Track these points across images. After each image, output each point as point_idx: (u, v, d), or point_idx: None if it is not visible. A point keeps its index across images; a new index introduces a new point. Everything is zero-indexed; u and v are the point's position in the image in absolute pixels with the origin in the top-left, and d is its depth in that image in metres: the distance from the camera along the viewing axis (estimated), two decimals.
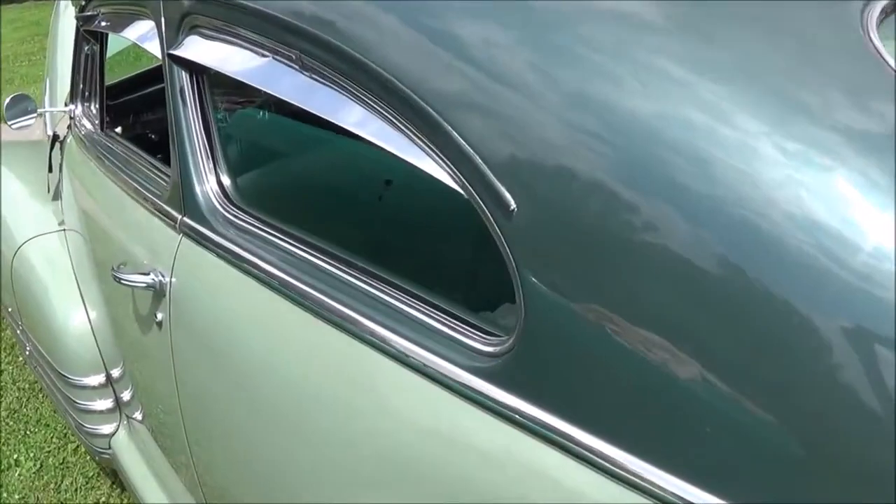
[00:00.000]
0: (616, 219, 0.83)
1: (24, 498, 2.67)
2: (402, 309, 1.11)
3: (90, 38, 2.27)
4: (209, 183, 1.50)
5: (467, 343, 1.02)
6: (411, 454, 1.07)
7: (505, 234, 0.93)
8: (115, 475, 2.58)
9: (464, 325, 1.04)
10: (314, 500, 1.27)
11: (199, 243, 1.48)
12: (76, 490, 2.68)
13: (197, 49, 1.46)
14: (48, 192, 2.77)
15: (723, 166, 0.77)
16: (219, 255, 1.44)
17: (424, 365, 1.03)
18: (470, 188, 0.97)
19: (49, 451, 2.86)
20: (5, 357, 3.41)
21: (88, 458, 2.77)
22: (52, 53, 3.13)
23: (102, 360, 2.35)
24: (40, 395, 3.16)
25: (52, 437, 2.93)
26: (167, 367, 1.64)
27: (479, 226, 0.99)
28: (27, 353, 2.74)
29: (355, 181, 1.79)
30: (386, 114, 1.09)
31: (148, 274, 1.58)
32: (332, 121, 1.16)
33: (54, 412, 3.01)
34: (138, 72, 2.75)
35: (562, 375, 0.90)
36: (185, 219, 1.52)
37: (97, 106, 2.31)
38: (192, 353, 1.55)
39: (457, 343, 1.03)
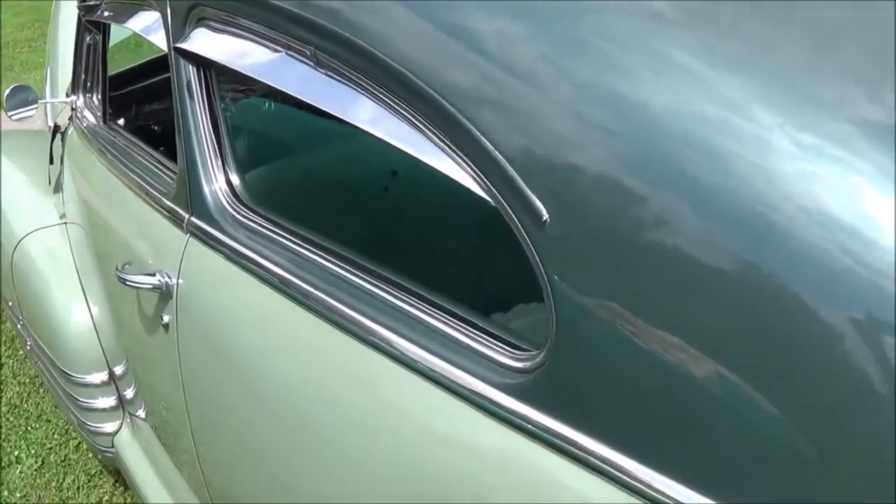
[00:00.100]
0: (652, 226, 0.79)
1: (25, 496, 2.63)
2: (424, 320, 1.06)
3: (92, 27, 2.21)
4: (217, 181, 1.44)
5: (495, 358, 0.97)
6: (436, 473, 1.02)
7: (536, 245, 0.88)
8: (117, 473, 2.54)
9: (490, 339, 0.99)
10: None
11: (207, 244, 1.43)
12: (78, 488, 2.63)
13: (205, 42, 1.41)
14: (49, 184, 2.72)
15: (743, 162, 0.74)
16: (228, 257, 1.39)
17: (450, 380, 0.98)
18: (497, 195, 0.92)
19: (51, 448, 2.82)
20: (5, 350, 3.37)
21: (90, 455, 2.72)
22: (53, 42, 3.07)
23: (105, 357, 2.31)
24: (41, 390, 3.11)
25: (53, 434, 2.89)
26: (173, 369, 1.59)
27: (504, 232, 0.94)
28: (28, 347, 2.70)
29: (370, 179, 1.73)
30: (405, 113, 1.03)
31: (154, 275, 1.53)
32: (349, 121, 1.11)
33: (55, 408, 2.97)
34: (141, 62, 2.68)
35: (598, 393, 0.85)
36: (193, 218, 1.47)
37: (99, 97, 2.25)
38: (200, 358, 1.50)
39: (484, 358, 0.98)
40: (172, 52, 1.49)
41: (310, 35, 1.13)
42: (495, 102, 0.92)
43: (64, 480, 2.68)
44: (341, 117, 1.12)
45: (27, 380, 3.20)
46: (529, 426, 0.90)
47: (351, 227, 1.50)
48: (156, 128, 2.55)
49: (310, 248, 1.29)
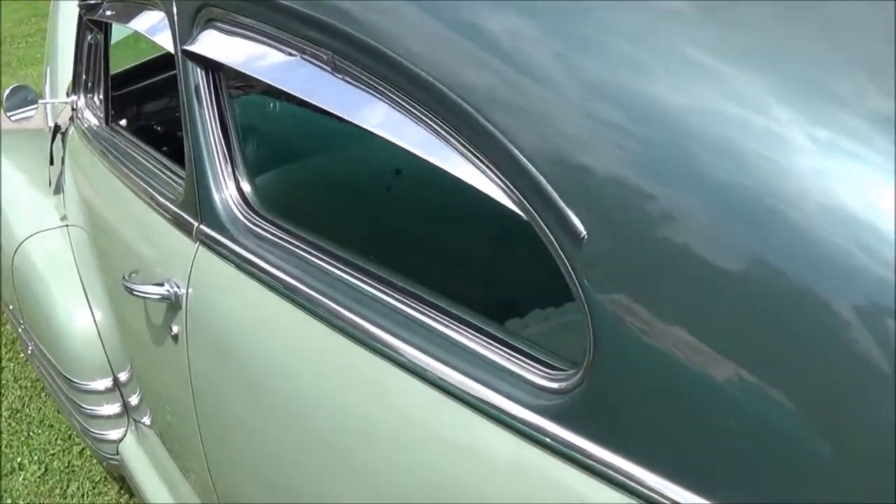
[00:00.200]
0: (693, 238, 0.75)
1: None
2: (451, 336, 1.01)
3: (93, 27, 2.16)
4: (228, 189, 1.39)
5: (528, 378, 0.93)
6: (462, 493, 0.98)
7: (572, 262, 0.84)
8: (122, 480, 2.50)
9: (521, 358, 0.95)
10: None
11: (217, 253, 1.38)
12: (83, 495, 2.59)
13: (215, 45, 1.36)
14: (49, 185, 2.67)
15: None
16: (239, 267, 1.34)
17: (479, 399, 0.94)
18: (529, 208, 0.88)
19: (53, 454, 2.77)
20: (6, 353, 3.32)
21: (95, 461, 2.68)
22: (52, 41, 3.01)
23: (109, 363, 2.26)
24: (43, 394, 3.07)
25: (56, 439, 2.84)
26: (183, 379, 1.55)
27: (531, 243, 0.90)
28: (29, 351, 2.65)
29: (390, 184, 1.67)
30: (430, 121, 0.99)
31: (162, 285, 1.48)
32: (370, 129, 1.06)
33: (58, 412, 2.92)
34: (143, 61, 2.63)
35: (640, 415, 0.81)
36: (202, 227, 1.42)
37: (101, 98, 2.20)
38: (211, 369, 1.46)
39: (516, 378, 0.93)
40: (180, 55, 1.44)
41: (328, 39, 1.08)
42: (527, 112, 0.87)
43: (68, 488, 2.63)
44: (362, 125, 1.07)
45: (28, 383, 3.15)
46: (568, 450, 0.85)
47: (367, 235, 1.45)
48: (159, 128, 2.50)
49: (324, 257, 1.24)
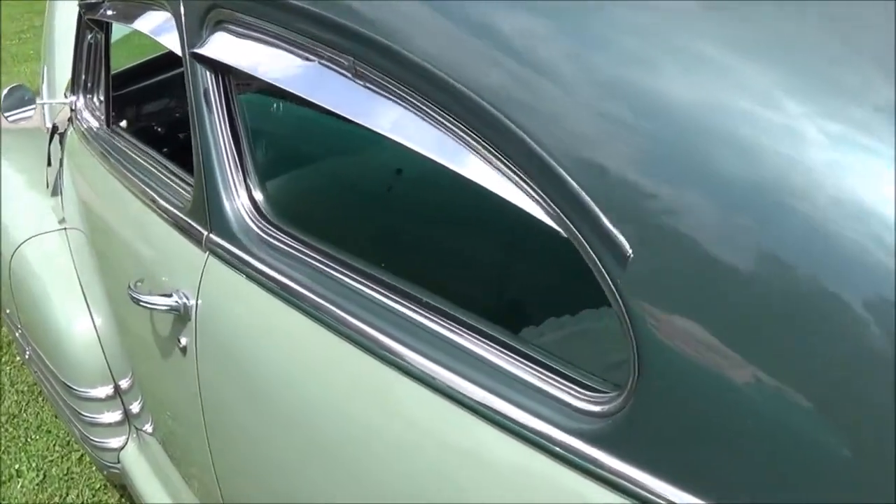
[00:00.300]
0: (740, 252, 0.72)
1: None
2: (481, 355, 0.97)
3: (94, 26, 2.10)
4: (239, 197, 1.35)
5: (564, 399, 0.88)
6: None
7: (616, 283, 0.80)
8: (123, 488, 2.45)
9: (557, 378, 0.91)
10: None
11: (229, 264, 1.34)
12: (83, 503, 2.54)
13: (225, 49, 1.31)
14: (47, 187, 2.61)
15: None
16: (252, 278, 1.29)
17: (515, 422, 0.90)
18: (570, 226, 0.84)
19: (52, 461, 2.72)
20: (2, 356, 3.26)
21: (94, 468, 2.63)
22: (49, 40, 2.95)
23: (110, 370, 2.21)
24: (40, 399, 3.01)
25: (54, 445, 2.79)
26: (191, 391, 1.50)
27: (565, 258, 0.86)
28: (27, 356, 2.60)
29: (412, 191, 1.62)
30: (461, 133, 0.94)
31: (170, 296, 1.43)
32: (392, 138, 1.01)
33: (56, 417, 2.87)
34: (144, 60, 2.57)
35: (690, 441, 0.77)
36: (212, 236, 1.38)
37: (101, 99, 2.14)
38: (222, 383, 1.41)
39: (552, 399, 0.89)
40: (188, 58, 1.39)
41: (349, 43, 1.04)
42: (567, 123, 0.83)
43: (67, 495, 2.58)
44: (386, 135, 1.03)
45: (25, 388, 3.10)
46: (611, 476, 0.81)
47: (387, 245, 1.40)
48: (162, 131, 2.45)
49: (342, 269, 1.19)
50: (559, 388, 0.90)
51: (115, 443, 2.27)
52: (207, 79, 1.37)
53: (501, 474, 0.93)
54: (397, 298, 1.10)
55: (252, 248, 1.30)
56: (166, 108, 2.53)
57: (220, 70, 1.36)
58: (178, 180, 1.61)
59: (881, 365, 0.65)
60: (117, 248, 1.97)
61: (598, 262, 0.81)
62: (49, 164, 2.58)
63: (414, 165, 1.14)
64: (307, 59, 1.14)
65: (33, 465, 2.71)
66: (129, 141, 1.94)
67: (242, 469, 1.49)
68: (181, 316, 1.44)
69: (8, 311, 2.69)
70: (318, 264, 1.23)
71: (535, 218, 0.88)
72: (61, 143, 2.49)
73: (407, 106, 1.01)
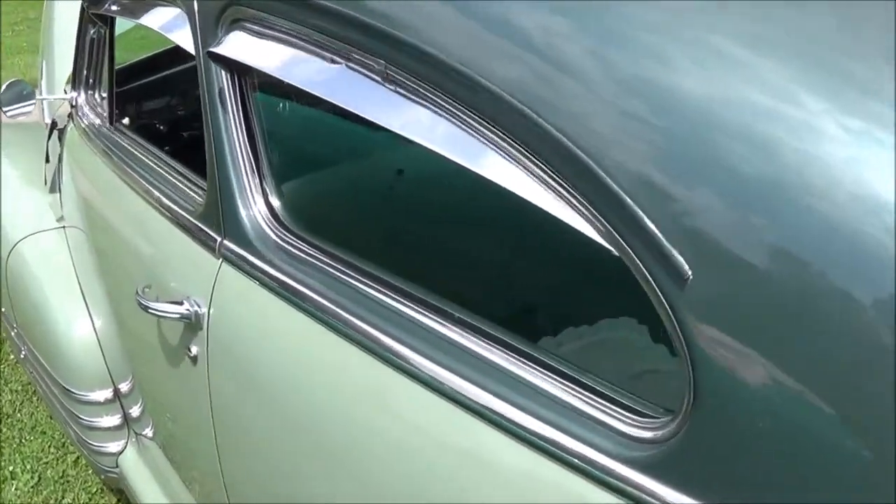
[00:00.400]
0: (811, 276, 0.69)
1: None
2: (519, 375, 0.92)
3: (97, 20, 2.05)
4: (255, 202, 1.30)
5: (613, 425, 0.84)
6: None
7: (673, 305, 0.76)
8: (120, 492, 2.40)
9: (605, 403, 0.86)
10: None
11: (244, 272, 1.29)
12: None
13: (243, 48, 1.26)
14: (45, 183, 2.56)
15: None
16: (269, 287, 1.25)
17: (562, 450, 0.85)
18: (623, 244, 0.80)
19: (47, 463, 2.67)
20: None
21: (90, 471, 2.58)
22: (48, 33, 2.89)
23: (109, 373, 2.16)
24: (35, 398, 2.95)
25: (49, 447, 2.74)
26: (201, 401, 1.45)
27: (610, 271, 0.83)
28: (22, 356, 2.54)
29: (438, 197, 1.55)
30: (502, 143, 0.90)
31: (181, 303, 1.38)
32: (433, 149, 0.97)
33: (50, 418, 2.82)
34: (147, 55, 2.52)
35: (750, 467, 0.73)
36: (227, 242, 1.33)
37: (106, 96, 2.09)
38: (235, 394, 1.36)
39: (601, 425, 0.85)
40: (202, 57, 1.34)
41: (382, 46, 0.99)
42: (622, 139, 0.78)
43: (63, 498, 2.53)
44: (424, 144, 0.98)
45: (19, 387, 3.04)
46: None
47: (413, 254, 1.35)
48: (166, 128, 2.39)
49: (366, 279, 1.15)
50: (605, 412, 0.86)
51: (113, 447, 2.22)
52: (223, 78, 1.32)
53: (547, 502, 0.88)
54: (427, 313, 1.05)
55: (269, 255, 1.25)
56: (171, 105, 2.47)
57: (237, 70, 1.31)
58: (187, 182, 1.56)
59: None
60: (120, 250, 1.92)
61: (652, 283, 0.77)
62: (47, 160, 2.52)
63: (442, 172, 1.09)
64: (333, 61, 1.09)
65: (28, 466, 2.65)
66: (133, 139, 1.88)
67: (254, 478, 1.44)
68: (192, 324, 1.39)
69: (3, 310, 2.63)
70: (339, 274, 1.18)
71: (577, 231, 0.84)
72: (60, 139, 2.43)
73: (441, 112, 0.96)
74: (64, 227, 2.38)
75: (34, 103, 2.39)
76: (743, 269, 0.71)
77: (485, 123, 0.91)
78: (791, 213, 0.70)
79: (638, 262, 0.78)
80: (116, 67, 2.16)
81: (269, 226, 1.28)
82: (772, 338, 0.71)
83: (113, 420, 2.20)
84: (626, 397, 0.86)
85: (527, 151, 0.87)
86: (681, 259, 0.74)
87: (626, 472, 0.80)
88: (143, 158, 1.77)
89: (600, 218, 0.82)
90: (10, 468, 2.65)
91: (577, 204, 0.84)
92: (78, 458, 2.64)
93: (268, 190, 1.30)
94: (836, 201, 0.67)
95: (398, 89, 1.01)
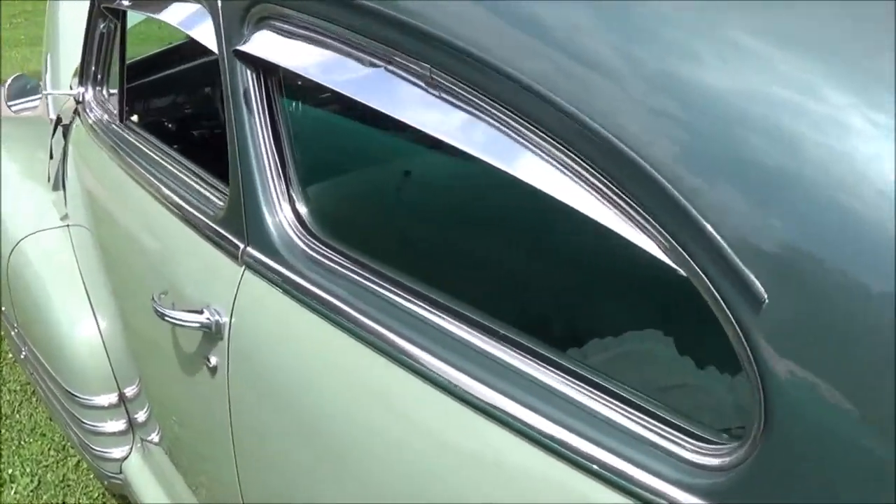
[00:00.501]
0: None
1: None
2: (576, 399, 0.88)
3: (108, 13, 1.99)
4: (282, 208, 1.24)
5: (676, 452, 0.80)
6: None
7: (746, 330, 0.72)
8: (123, 498, 2.34)
9: (666, 428, 0.82)
10: None
11: (269, 280, 1.23)
12: None
13: (272, 48, 1.20)
14: (48, 181, 2.50)
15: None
16: (295, 297, 1.19)
17: (625, 478, 0.81)
18: (693, 265, 0.75)
19: (47, 466, 2.61)
20: None
21: (92, 475, 2.52)
22: (53, 27, 2.82)
23: (115, 377, 2.10)
24: (34, 399, 2.90)
25: (49, 450, 2.68)
26: (219, 412, 1.39)
27: (672, 282, 0.79)
28: (22, 356, 2.49)
29: (476, 205, 1.49)
30: (560, 154, 0.85)
31: (201, 312, 1.32)
32: (478, 156, 0.92)
33: (50, 420, 2.76)
34: (158, 51, 2.46)
35: (822, 498, 0.70)
36: (250, 249, 1.27)
37: (115, 93, 2.03)
38: (257, 405, 1.31)
39: (663, 452, 0.81)
40: (226, 55, 1.29)
41: (428, 49, 0.94)
42: (707, 161, 0.74)
43: (64, 503, 2.47)
44: (467, 150, 0.93)
45: (17, 387, 2.98)
46: None
47: (448, 263, 1.29)
48: (180, 127, 2.33)
49: (402, 291, 1.10)
50: (668, 438, 0.82)
51: (117, 453, 2.17)
52: (248, 78, 1.26)
53: None
54: (469, 329, 1.00)
55: (297, 264, 1.20)
56: (185, 103, 2.42)
57: (263, 70, 1.25)
58: (204, 185, 1.50)
59: None
60: (129, 251, 1.86)
61: (723, 305, 0.73)
62: (51, 157, 2.46)
63: (482, 178, 1.04)
64: (372, 64, 1.04)
65: (27, 470, 2.59)
66: (145, 138, 1.83)
67: (275, 488, 1.38)
68: (211, 334, 1.33)
69: (3, 309, 2.57)
70: (371, 283, 1.13)
71: (635, 246, 0.80)
72: (65, 135, 2.37)
73: (491, 120, 0.91)
74: (68, 225, 2.32)
75: (40, 97, 2.33)
76: (816, 289, 0.68)
77: (535, 129, 0.87)
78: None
79: (708, 283, 0.73)
80: (132, 60, 2.10)
81: (296, 233, 1.22)
82: (845, 360, 0.67)
83: (117, 425, 2.15)
84: (687, 422, 0.82)
85: (580, 158, 0.83)
86: (757, 283, 0.70)
87: (689, 500, 0.76)
88: (156, 158, 1.72)
89: (665, 233, 0.77)
90: (10, 471, 2.59)
91: (636, 215, 0.80)
92: (79, 461, 2.59)
93: (294, 196, 1.25)
94: None
95: (442, 94, 0.96)
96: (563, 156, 0.85)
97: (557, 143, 0.85)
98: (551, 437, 0.86)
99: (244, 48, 1.24)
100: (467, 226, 1.46)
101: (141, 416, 2.10)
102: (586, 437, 0.84)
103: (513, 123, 0.89)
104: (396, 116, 1.01)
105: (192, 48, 2.30)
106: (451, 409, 0.97)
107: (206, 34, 1.40)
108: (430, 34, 0.92)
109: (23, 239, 2.37)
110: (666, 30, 0.79)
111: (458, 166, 1.15)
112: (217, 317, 1.31)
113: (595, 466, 0.82)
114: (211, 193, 1.45)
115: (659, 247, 0.79)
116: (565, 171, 0.85)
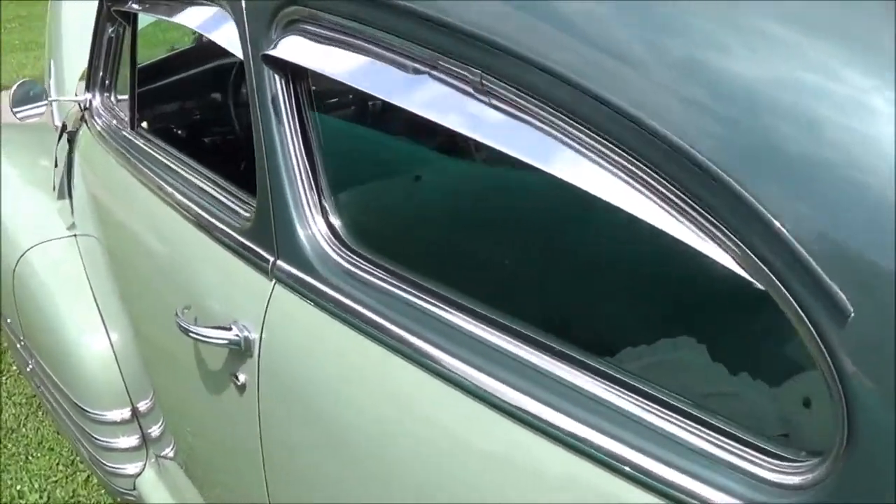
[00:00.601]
0: None
1: None
2: (643, 418, 0.83)
3: (118, 17, 1.93)
4: (314, 219, 1.19)
5: (752, 471, 0.77)
6: None
7: (830, 345, 0.69)
8: None
9: (739, 446, 0.79)
10: None
11: (301, 295, 1.18)
12: None
13: (303, 53, 1.15)
14: (53, 189, 2.44)
15: None
16: (330, 312, 1.14)
17: (699, 500, 0.76)
18: (772, 277, 0.71)
19: (56, 481, 2.55)
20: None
21: (102, 490, 2.46)
22: (56, 32, 2.76)
23: (127, 391, 2.05)
24: (40, 412, 2.84)
25: (57, 464, 2.62)
26: (247, 429, 1.34)
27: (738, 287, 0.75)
28: (29, 369, 2.43)
29: (514, 213, 1.43)
30: (623, 163, 0.80)
31: (229, 328, 1.27)
32: (537, 167, 0.87)
33: (58, 433, 2.70)
34: (167, 55, 2.40)
35: None
36: (281, 263, 1.22)
37: (126, 99, 1.97)
38: (289, 423, 1.25)
39: (737, 471, 0.77)
40: (252, 61, 1.24)
41: (485, 58, 0.89)
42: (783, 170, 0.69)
43: None
44: (520, 158, 0.88)
45: (23, 400, 2.92)
46: None
47: (493, 276, 1.24)
48: (192, 134, 2.28)
49: (441, 303, 1.05)
50: (742, 456, 0.78)
51: (131, 469, 2.12)
52: (277, 85, 1.21)
53: None
54: (519, 343, 0.95)
55: (332, 279, 1.15)
56: (201, 109, 2.36)
57: (293, 75, 1.20)
58: (227, 195, 1.45)
59: None
60: (144, 264, 1.81)
61: (804, 319, 0.70)
62: (56, 164, 2.41)
63: (522, 186, 1.00)
64: (416, 70, 0.99)
65: (36, 485, 2.54)
66: (158, 145, 1.77)
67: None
68: (240, 350, 1.28)
69: (9, 321, 2.51)
70: (411, 297, 1.08)
71: (701, 254, 0.76)
72: (70, 142, 2.32)
73: (548, 127, 0.86)
74: (76, 235, 2.27)
75: (46, 104, 2.28)
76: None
77: (595, 136, 0.82)
78: None
79: (789, 296, 0.69)
80: (143, 64, 2.05)
81: (330, 245, 1.17)
82: None
83: (130, 441, 2.10)
84: (761, 439, 0.78)
85: (641, 162, 0.79)
86: (842, 295, 0.67)
87: None
88: (171, 165, 1.66)
89: (740, 244, 0.73)
90: (18, 487, 2.53)
91: (706, 223, 0.76)
92: (89, 476, 2.53)
93: (327, 207, 1.19)
94: None
95: (492, 101, 0.91)
96: (625, 162, 0.81)
97: (620, 148, 0.81)
98: (606, 450, 0.83)
99: (273, 53, 1.18)
100: (506, 234, 1.41)
101: (155, 431, 2.05)
102: (652, 456, 0.80)
103: (569, 129, 0.85)
104: (443, 123, 0.96)
105: (205, 51, 2.25)
106: (499, 426, 0.93)
107: (227, 38, 1.35)
108: (485, 39, 0.87)
109: (29, 249, 2.31)
110: None
111: (496, 174, 1.10)
112: (246, 333, 1.26)
113: (665, 486, 0.78)
114: (234, 203, 1.40)
115: (732, 257, 0.74)
116: (631, 178, 0.81)
